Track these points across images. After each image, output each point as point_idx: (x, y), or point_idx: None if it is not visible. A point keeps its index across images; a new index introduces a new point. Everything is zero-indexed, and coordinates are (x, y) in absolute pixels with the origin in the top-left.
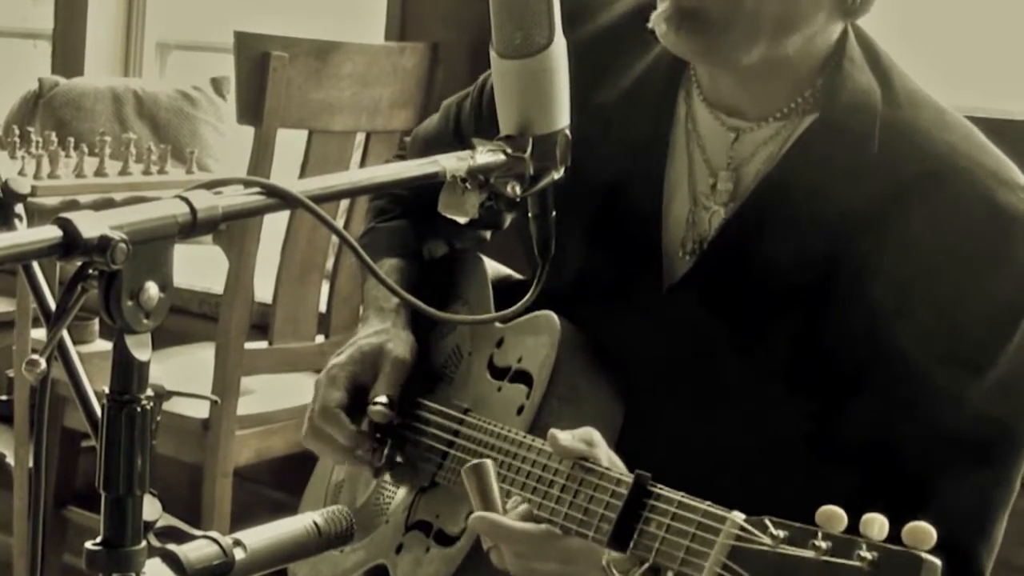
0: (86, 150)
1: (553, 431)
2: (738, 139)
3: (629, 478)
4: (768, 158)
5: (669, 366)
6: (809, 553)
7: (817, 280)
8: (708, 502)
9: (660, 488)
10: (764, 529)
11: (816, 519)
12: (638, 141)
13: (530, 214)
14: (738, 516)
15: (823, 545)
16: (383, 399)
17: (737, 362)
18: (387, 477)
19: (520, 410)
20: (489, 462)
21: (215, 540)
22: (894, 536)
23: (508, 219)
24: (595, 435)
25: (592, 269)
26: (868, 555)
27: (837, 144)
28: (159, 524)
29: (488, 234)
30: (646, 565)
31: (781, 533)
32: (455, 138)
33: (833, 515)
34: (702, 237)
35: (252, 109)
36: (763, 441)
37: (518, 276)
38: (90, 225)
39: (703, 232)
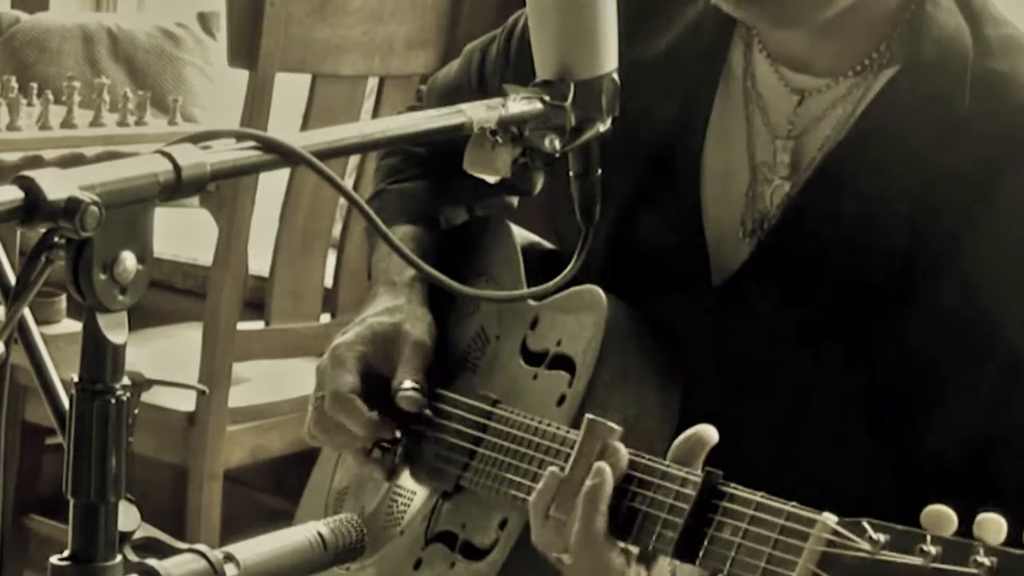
0: (51, 98)
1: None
2: (803, 102)
3: (697, 476)
4: (838, 122)
5: (722, 359)
6: (916, 560)
7: (901, 263)
8: (793, 502)
9: (734, 487)
10: (861, 532)
11: (922, 521)
12: (687, 101)
13: (571, 173)
14: (830, 518)
15: (932, 550)
16: (411, 383)
17: (804, 360)
18: (403, 481)
19: (561, 400)
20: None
21: (202, 554)
22: (1014, 538)
23: (539, 182)
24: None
25: (631, 247)
26: (986, 560)
27: (921, 102)
28: (137, 535)
29: (515, 200)
30: None
31: (881, 537)
32: (479, 90)
33: (942, 516)
34: (763, 216)
35: (246, 50)
36: (835, 448)
37: (548, 245)
38: (56, 185)
39: (764, 210)
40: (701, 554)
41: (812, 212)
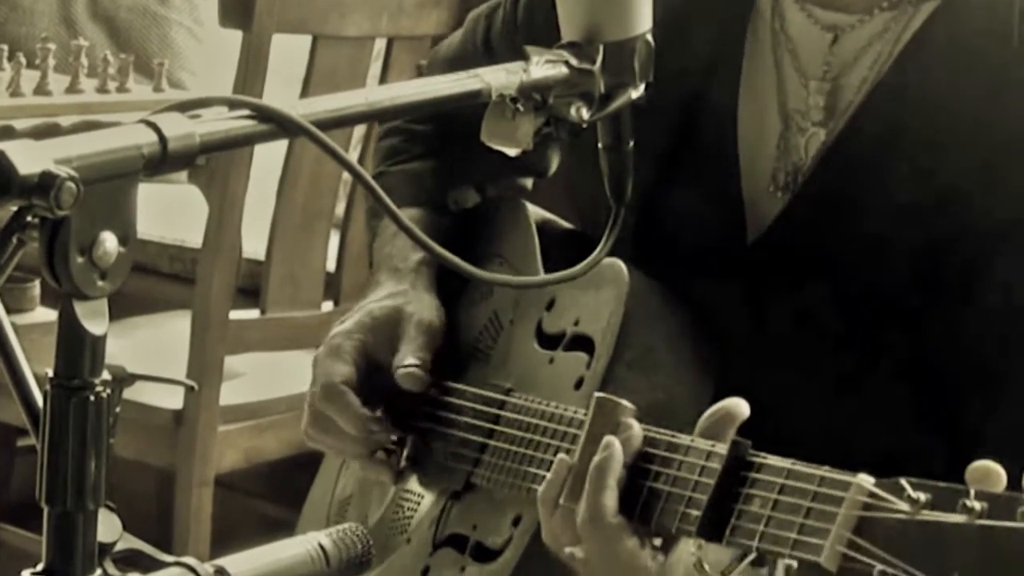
0: (24, 61)
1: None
2: (837, 41)
3: (722, 449)
4: (875, 62)
5: (757, 329)
6: (959, 517)
7: (952, 220)
8: (826, 467)
9: (763, 456)
10: (900, 493)
11: (967, 477)
12: (712, 46)
13: (600, 144)
14: (866, 479)
15: (977, 506)
16: (412, 359)
17: (845, 328)
18: (409, 484)
19: (579, 383)
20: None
21: (191, 568)
22: None
23: (555, 162)
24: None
25: (660, 212)
26: None
27: (966, 38)
28: (119, 547)
29: (529, 182)
30: (750, 557)
31: (922, 496)
32: (486, 59)
33: (990, 472)
34: (796, 167)
35: (239, 8)
36: (883, 428)
37: (565, 224)
38: (29, 158)
39: (798, 161)
40: (728, 531)
41: (850, 162)
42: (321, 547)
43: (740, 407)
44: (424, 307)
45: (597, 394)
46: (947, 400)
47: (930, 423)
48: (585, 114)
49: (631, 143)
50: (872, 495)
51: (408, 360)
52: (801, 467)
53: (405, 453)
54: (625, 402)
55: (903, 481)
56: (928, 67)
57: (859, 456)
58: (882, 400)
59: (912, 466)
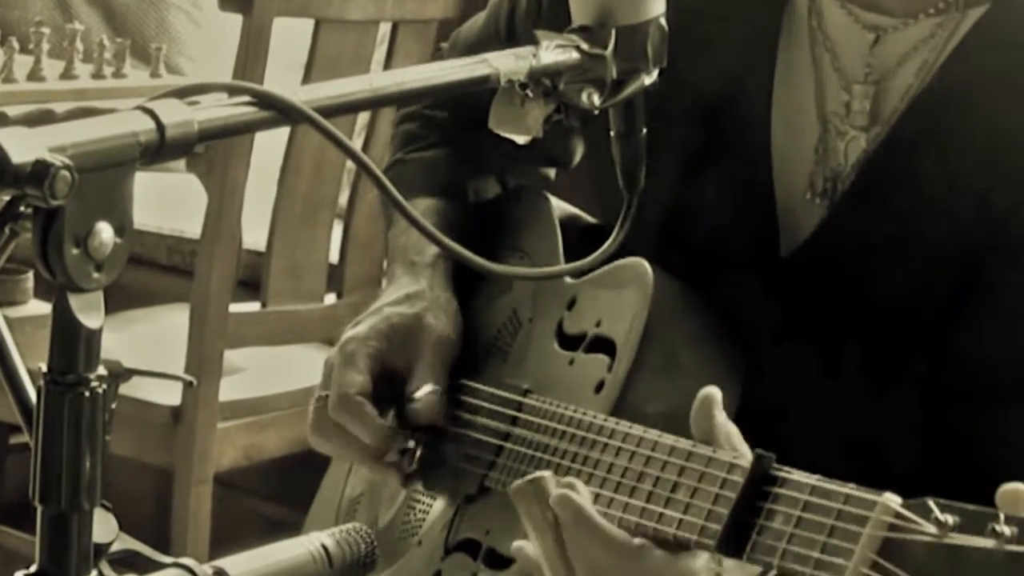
0: (16, 46)
1: (712, 391)
2: (879, 42)
3: (745, 462)
4: (921, 67)
5: (789, 343)
6: (988, 542)
7: (997, 232)
8: (851, 484)
9: (786, 471)
10: (927, 514)
11: (997, 500)
12: (745, 43)
13: (612, 132)
14: (892, 499)
15: (1007, 531)
16: (429, 388)
17: (881, 344)
18: (420, 487)
19: (599, 387)
20: (547, 475)
21: (189, 570)
22: None
23: (578, 153)
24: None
25: (686, 212)
26: None
27: (1013, 46)
28: (115, 548)
29: (552, 173)
30: (770, 574)
31: (949, 519)
32: (508, 44)
33: (1021, 495)
34: (836, 173)
35: None
36: (907, 443)
37: (590, 219)
38: (22, 146)
39: (837, 167)
40: (749, 548)
41: (893, 170)
42: (324, 548)
43: (712, 393)
44: (442, 316)
45: (514, 485)
46: (971, 414)
47: (953, 437)
48: (596, 100)
49: (644, 131)
50: (898, 515)
51: (425, 390)
52: (826, 483)
53: (417, 456)
54: (540, 474)
55: (931, 502)
56: (974, 75)
57: (885, 468)
58: (908, 410)
59: (936, 481)
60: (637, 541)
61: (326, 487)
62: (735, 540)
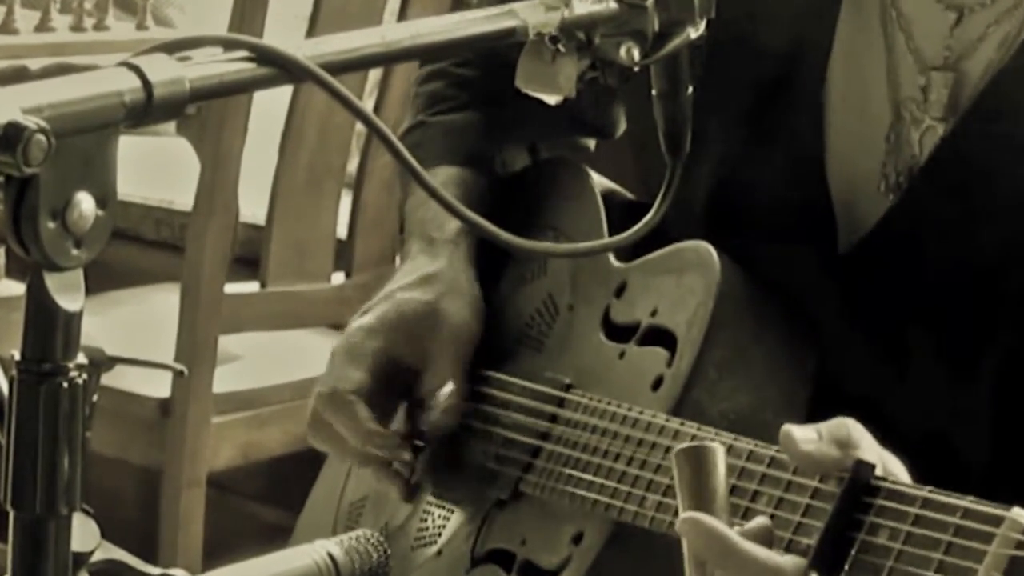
0: None
1: (788, 427)
2: (960, 22)
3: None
4: (1002, 42)
5: (851, 333)
6: None
7: None
8: (971, 497)
9: (891, 482)
10: None
11: None
12: (802, 22)
13: (654, 91)
14: (1021, 514)
15: None
16: (449, 389)
17: (957, 332)
18: (431, 497)
19: (657, 384)
20: (717, 446)
21: None
22: None
23: (622, 122)
24: (853, 430)
25: (735, 203)
26: None
27: None
28: (96, 557)
29: (592, 143)
30: None
31: None
32: None
33: None
34: (911, 165)
35: None
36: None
37: (629, 195)
38: None
39: (912, 158)
40: (848, 565)
41: (969, 158)
42: (331, 557)
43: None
44: (460, 302)
45: (678, 448)
46: None
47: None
48: (636, 56)
49: (690, 89)
50: None
51: (445, 389)
52: (939, 495)
53: (420, 467)
54: (711, 444)
55: None
56: None
57: (956, 462)
58: (980, 403)
59: (1008, 476)
60: (794, 559)
61: (320, 487)
62: (831, 556)
